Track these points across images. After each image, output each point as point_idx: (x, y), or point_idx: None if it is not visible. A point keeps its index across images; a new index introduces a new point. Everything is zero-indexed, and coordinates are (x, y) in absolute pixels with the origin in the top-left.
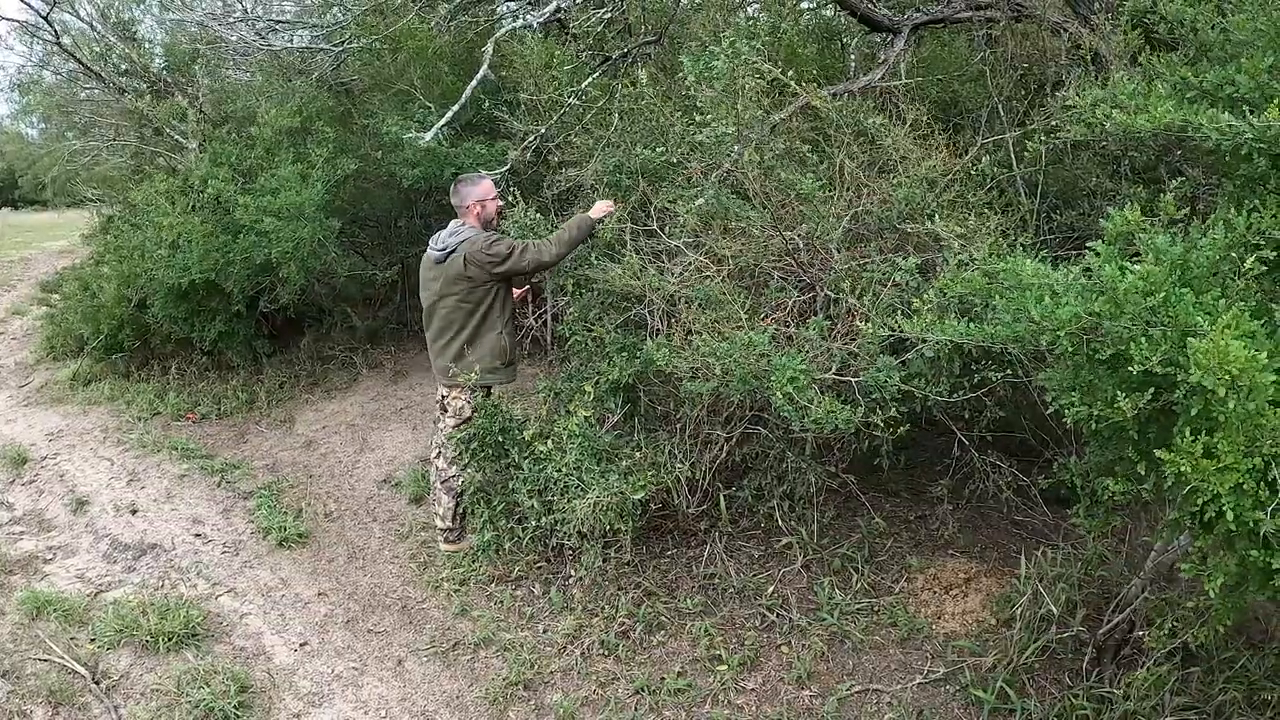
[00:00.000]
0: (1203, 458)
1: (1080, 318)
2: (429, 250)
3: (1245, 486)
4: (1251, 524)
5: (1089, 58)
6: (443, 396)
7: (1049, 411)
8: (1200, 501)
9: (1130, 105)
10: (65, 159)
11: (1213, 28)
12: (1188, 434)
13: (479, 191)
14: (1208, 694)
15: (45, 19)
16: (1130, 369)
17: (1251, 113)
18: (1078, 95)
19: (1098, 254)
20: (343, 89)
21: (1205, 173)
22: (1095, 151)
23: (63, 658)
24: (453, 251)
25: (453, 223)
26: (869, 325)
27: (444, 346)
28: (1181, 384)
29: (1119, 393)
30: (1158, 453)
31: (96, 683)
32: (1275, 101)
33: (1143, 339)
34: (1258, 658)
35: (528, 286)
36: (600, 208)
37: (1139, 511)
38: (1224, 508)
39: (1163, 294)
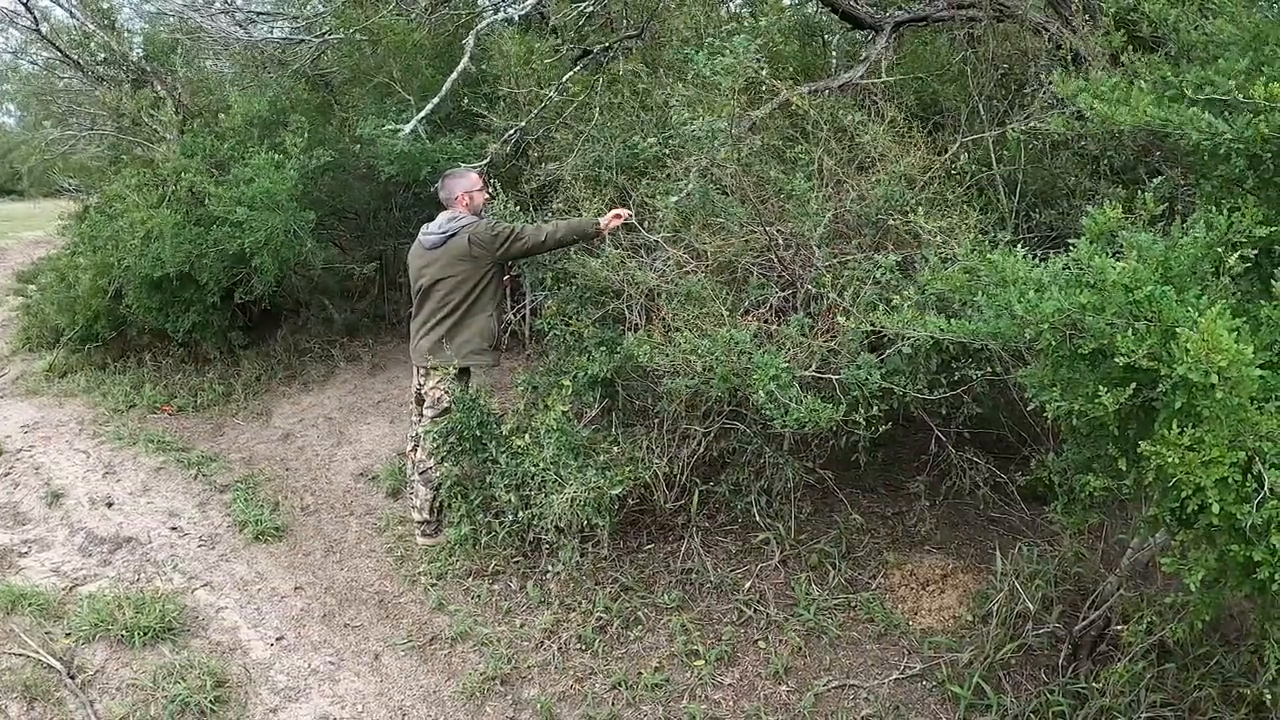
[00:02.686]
0: (1188, 451)
1: (1064, 312)
2: (420, 239)
3: (1230, 480)
4: (1238, 516)
5: (1070, 58)
6: (419, 388)
7: (1029, 409)
8: (1182, 495)
9: (1111, 98)
10: (42, 148)
11: (1195, 28)
12: (1173, 427)
13: (466, 184)
14: (1183, 690)
15: (25, 5)
16: (1114, 362)
17: (1229, 113)
18: (1060, 86)
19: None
20: (322, 81)
21: (1183, 173)
22: (1074, 151)
23: (38, 652)
24: (453, 235)
25: (444, 213)
26: (850, 320)
27: (434, 326)
28: (1165, 378)
29: (1100, 388)
30: (1142, 446)
31: (72, 677)
32: (1261, 81)
33: (1129, 331)
34: (1233, 654)
35: (508, 278)
36: (611, 216)
37: (1115, 509)
38: (1209, 501)
39: (1147, 289)
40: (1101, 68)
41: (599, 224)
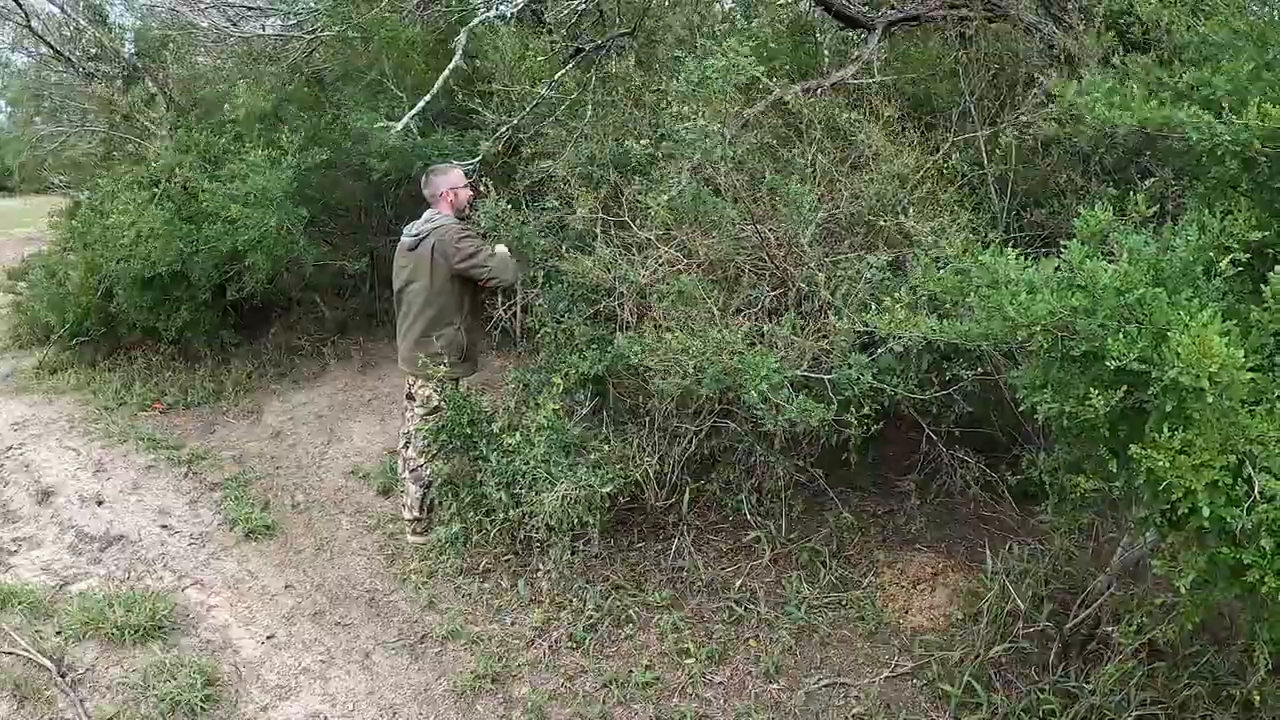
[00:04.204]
0: (1179, 453)
1: (1055, 314)
2: (403, 238)
3: (1220, 483)
4: (1228, 519)
5: (1062, 58)
6: (410, 384)
7: (1020, 410)
8: (1172, 498)
9: (1110, 101)
10: (33, 144)
11: (1187, 29)
12: (1164, 430)
13: (450, 180)
14: (1173, 690)
15: (16, 1)
16: (1105, 364)
17: (1227, 114)
18: (1057, 88)
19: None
20: (314, 77)
21: (1175, 174)
22: (1066, 150)
23: (28, 650)
24: (425, 238)
25: (427, 211)
26: (841, 320)
27: (406, 331)
28: (1156, 381)
29: (1091, 390)
30: (1132, 449)
31: (62, 675)
32: (1255, 101)
33: (1120, 334)
34: (1223, 654)
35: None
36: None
37: (1106, 509)
38: (1199, 504)
39: (1139, 292)
40: (1095, 68)
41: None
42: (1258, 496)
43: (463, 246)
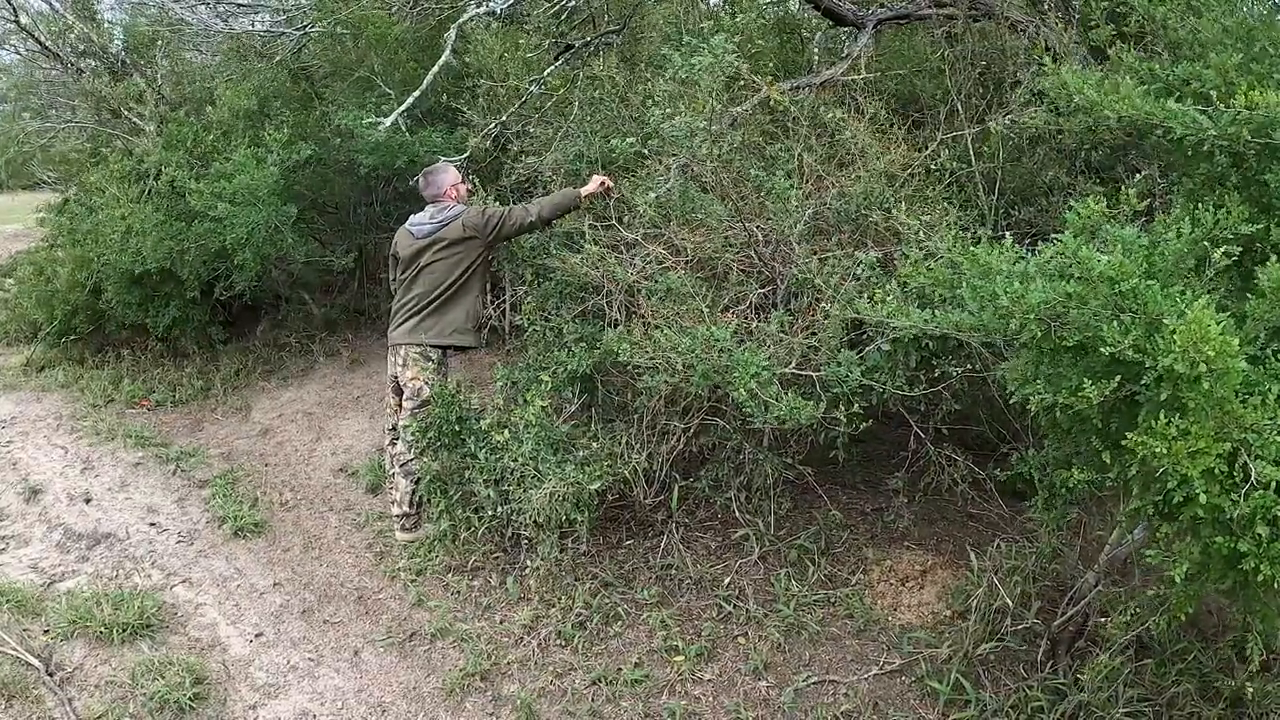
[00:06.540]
0: (1175, 441)
1: (1049, 303)
2: (409, 229)
3: (1216, 471)
4: (1224, 507)
5: (1047, 55)
6: (395, 377)
7: (1011, 403)
8: (1168, 487)
9: (1100, 89)
10: (20, 140)
11: (1182, 25)
12: (1161, 417)
13: (449, 178)
14: (1160, 686)
15: None
16: (1098, 355)
17: (1215, 106)
18: (1049, 75)
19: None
20: (303, 74)
21: (1162, 170)
22: (1053, 147)
23: (15, 649)
24: (446, 223)
25: (432, 206)
26: (833, 308)
27: (421, 308)
28: (1150, 370)
29: (1085, 380)
30: (1129, 436)
31: (50, 674)
32: (1242, 89)
33: (1114, 323)
34: (1210, 650)
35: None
36: (595, 183)
37: (1093, 505)
38: (1195, 492)
39: (1133, 282)
40: (1079, 63)
41: (580, 193)
42: (1254, 483)
43: (491, 215)
